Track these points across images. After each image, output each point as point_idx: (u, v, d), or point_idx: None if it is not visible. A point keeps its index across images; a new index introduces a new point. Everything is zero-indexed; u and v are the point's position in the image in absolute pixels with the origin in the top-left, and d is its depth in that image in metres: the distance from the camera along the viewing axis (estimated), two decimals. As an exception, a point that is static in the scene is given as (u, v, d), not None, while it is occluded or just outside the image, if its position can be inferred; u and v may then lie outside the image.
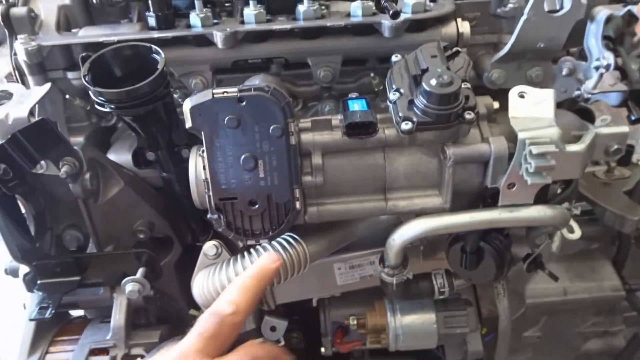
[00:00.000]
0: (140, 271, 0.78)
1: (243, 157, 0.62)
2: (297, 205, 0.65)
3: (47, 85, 0.79)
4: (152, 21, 0.80)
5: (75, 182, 0.73)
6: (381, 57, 0.87)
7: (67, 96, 0.87)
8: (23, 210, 0.76)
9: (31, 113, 0.72)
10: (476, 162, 0.70)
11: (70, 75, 0.84)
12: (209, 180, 0.64)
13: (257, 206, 0.65)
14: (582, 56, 0.85)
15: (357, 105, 0.70)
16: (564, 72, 0.84)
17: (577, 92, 0.84)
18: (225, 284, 0.71)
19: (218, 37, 0.78)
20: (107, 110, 0.67)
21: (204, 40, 0.80)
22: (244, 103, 0.60)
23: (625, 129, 0.69)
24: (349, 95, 0.73)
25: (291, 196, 0.65)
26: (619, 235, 1.08)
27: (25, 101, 0.74)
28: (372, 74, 0.88)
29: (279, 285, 0.75)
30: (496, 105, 0.74)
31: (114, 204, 0.80)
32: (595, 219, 1.10)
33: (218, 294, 0.72)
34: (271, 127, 0.61)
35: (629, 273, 1.13)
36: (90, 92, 0.67)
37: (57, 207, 0.80)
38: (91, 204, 0.78)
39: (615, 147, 0.70)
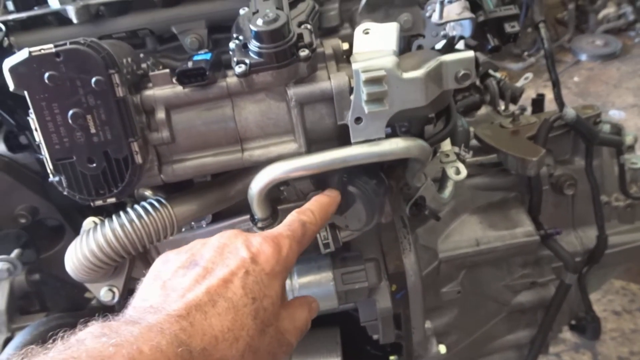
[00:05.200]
0: (15, 252, 0.78)
1: (70, 113, 0.62)
2: (137, 159, 0.65)
3: None
4: (9, 4, 0.81)
5: None
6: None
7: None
8: None
9: None
10: (322, 100, 0.69)
11: None
12: (42, 141, 0.63)
13: (95, 164, 0.64)
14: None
15: (201, 58, 0.69)
16: (428, 14, 0.84)
17: (442, 32, 0.84)
18: (93, 248, 0.70)
19: (71, 12, 0.78)
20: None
21: (64, 19, 0.81)
22: (62, 58, 0.60)
23: (469, 54, 0.69)
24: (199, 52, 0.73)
25: (129, 150, 0.64)
26: (529, 181, 1.07)
27: None
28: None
29: (147, 247, 0.74)
30: (345, 46, 0.74)
31: (-12, 189, 0.80)
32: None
33: (87, 259, 0.71)
34: (93, 80, 0.61)
35: (553, 221, 1.12)
36: None
37: None
38: (-38, 191, 0.78)
39: (463, 72, 0.69)
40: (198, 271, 0.52)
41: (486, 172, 1.08)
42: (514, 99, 1.33)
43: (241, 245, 0.55)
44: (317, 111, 0.70)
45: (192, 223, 0.86)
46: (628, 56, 3.73)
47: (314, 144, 0.73)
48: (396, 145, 0.69)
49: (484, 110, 1.27)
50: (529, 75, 1.43)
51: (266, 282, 0.52)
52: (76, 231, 0.90)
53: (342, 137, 0.73)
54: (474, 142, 1.10)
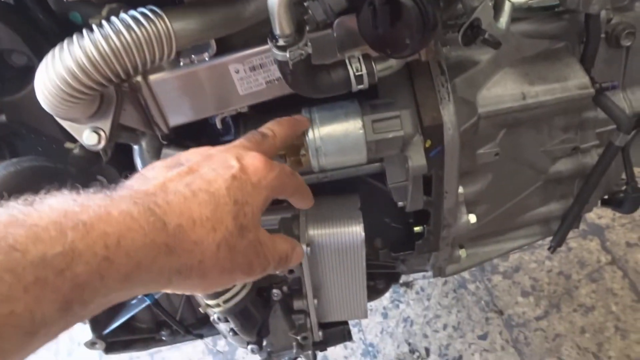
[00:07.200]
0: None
1: None
2: None
3: None
4: None
5: None
6: None
7: None
8: None
9: None
10: None
11: None
12: None
13: None
14: None
15: None
16: None
17: None
18: (69, 65, 0.55)
19: None
20: None
21: None
22: None
23: None
24: None
25: None
26: (587, 28, 0.91)
27: None
28: None
29: (139, 69, 0.59)
30: None
31: None
32: (560, 12, 0.93)
33: (63, 81, 0.56)
34: None
35: (601, 79, 0.97)
36: None
37: None
38: None
39: None
40: (182, 169, 0.51)
41: (534, 16, 0.92)
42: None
43: (231, 157, 0.54)
44: None
45: (192, 56, 0.70)
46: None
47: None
48: None
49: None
50: None
51: (250, 191, 0.52)
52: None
53: None
54: (520, -17, 0.92)
